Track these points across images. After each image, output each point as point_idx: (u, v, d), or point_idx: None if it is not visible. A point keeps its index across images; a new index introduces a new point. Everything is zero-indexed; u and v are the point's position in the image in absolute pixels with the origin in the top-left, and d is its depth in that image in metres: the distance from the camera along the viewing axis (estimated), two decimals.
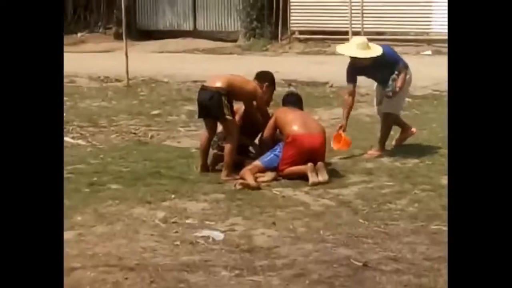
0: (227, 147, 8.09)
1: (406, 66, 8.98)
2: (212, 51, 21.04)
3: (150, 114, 11.83)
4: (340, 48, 9.23)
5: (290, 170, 7.87)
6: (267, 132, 8.26)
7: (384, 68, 8.79)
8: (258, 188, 7.58)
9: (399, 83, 8.79)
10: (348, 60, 9.02)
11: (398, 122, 9.38)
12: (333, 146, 8.79)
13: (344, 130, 8.95)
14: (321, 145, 8.04)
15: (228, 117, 8.08)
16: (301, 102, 8.64)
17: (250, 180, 7.67)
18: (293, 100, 8.61)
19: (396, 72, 8.80)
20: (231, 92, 8.10)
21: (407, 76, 8.95)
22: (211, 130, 8.32)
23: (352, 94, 9.02)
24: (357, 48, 8.78)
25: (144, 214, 6.82)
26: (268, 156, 8.07)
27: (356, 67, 8.92)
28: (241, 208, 6.99)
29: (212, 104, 8.09)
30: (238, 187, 7.59)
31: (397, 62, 8.90)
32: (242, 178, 7.79)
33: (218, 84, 8.16)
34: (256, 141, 8.63)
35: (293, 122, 8.07)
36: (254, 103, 8.35)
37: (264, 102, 8.42)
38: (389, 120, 9.12)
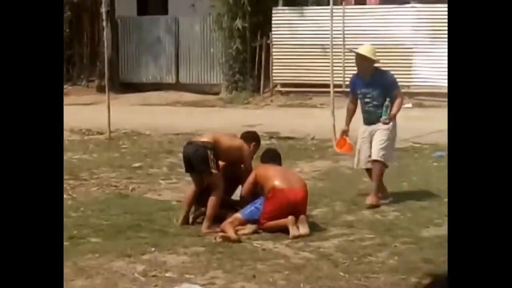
0: (211, 199, 8.08)
1: (402, 95, 9.53)
2: (194, 103, 21.12)
3: (131, 167, 11.80)
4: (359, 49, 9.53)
5: (271, 223, 7.86)
6: (246, 187, 8.24)
7: (383, 87, 9.18)
8: (238, 240, 7.56)
9: (394, 109, 9.18)
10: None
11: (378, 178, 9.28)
12: (336, 149, 9.75)
13: (347, 135, 9.61)
14: (303, 199, 8.04)
15: (214, 171, 8.09)
16: (280, 158, 8.66)
17: (230, 233, 7.65)
18: (272, 156, 8.63)
19: (388, 100, 9.13)
20: (217, 147, 8.15)
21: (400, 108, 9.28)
22: (198, 184, 8.32)
23: (354, 102, 9.55)
24: (365, 50, 9.33)
25: (123, 267, 6.77)
26: (248, 209, 8.06)
27: (359, 78, 9.44)
28: (221, 261, 6.95)
29: (197, 157, 8.12)
30: (219, 239, 7.56)
31: (396, 86, 9.37)
32: (222, 231, 7.77)
33: (204, 139, 8.27)
34: (235, 196, 8.61)
35: (275, 177, 8.08)
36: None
37: (250, 161, 8.47)
38: (378, 167, 9.18)
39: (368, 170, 9.42)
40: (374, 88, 9.23)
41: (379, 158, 9.13)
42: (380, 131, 9.23)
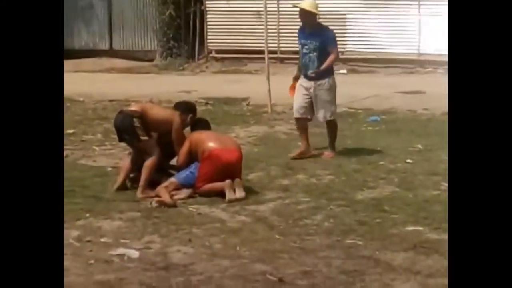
0: (145, 165, 8.04)
1: (337, 54, 10.02)
2: (128, 70, 20.87)
3: (64, 133, 11.62)
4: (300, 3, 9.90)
5: (207, 187, 7.84)
6: (181, 157, 8.16)
7: (321, 41, 9.60)
8: (174, 205, 7.53)
9: (325, 64, 9.62)
10: None
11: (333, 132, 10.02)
12: (289, 95, 10.11)
13: (297, 80, 9.99)
14: (238, 160, 8.04)
15: (143, 138, 8.07)
16: (210, 127, 8.66)
17: (166, 198, 7.62)
18: (202, 126, 8.58)
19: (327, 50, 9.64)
20: (145, 116, 8.13)
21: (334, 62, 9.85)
22: (134, 153, 8.29)
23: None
24: (307, 4, 9.74)
25: None
26: (183, 174, 8.03)
27: (302, 30, 9.92)
28: (157, 225, 6.94)
29: (124, 126, 8.17)
30: (154, 205, 7.52)
31: (333, 42, 9.79)
32: (157, 195, 7.74)
33: (133, 108, 8.36)
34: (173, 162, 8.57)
35: (208, 139, 8.07)
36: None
37: (180, 132, 8.30)
38: (333, 124, 9.95)
39: (298, 120, 10.02)
40: (312, 40, 9.64)
41: (331, 118, 9.85)
42: (324, 92, 9.75)
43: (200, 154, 7.96)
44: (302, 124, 9.97)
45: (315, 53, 9.64)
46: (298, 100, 9.87)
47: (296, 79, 10.07)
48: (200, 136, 8.19)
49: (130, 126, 8.09)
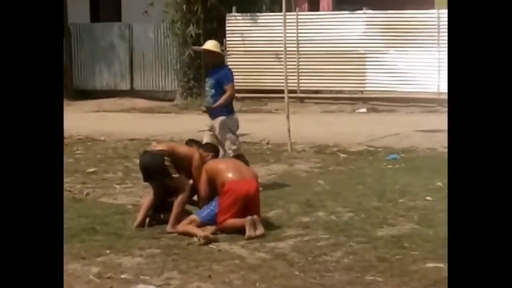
0: (178, 199, 8.10)
1: (233, 91, 10.13)
2: (149, 110, 21.04)
3: (85, 172, 11.73)
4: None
5: (229, 223, 7.85)
6: (202, 188, 8.21)
7: (217, 78, 9.95)
8: (216, 240, 7.57)
9: (220, 100, 9.88)
10: None
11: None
12: None
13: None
14: (256, 191, 8.07)
15: (175, 175, 8.14)
16: (218, 151, 8.85)
17: (202, 233, 7.62)
18: (211, 148, 8.79)
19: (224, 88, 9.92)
20: (173, 155, 8.21)
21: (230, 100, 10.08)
22: (157, 191, 8.34)
23: None
24: (210, 45, 10.24)
25: (78, 270, 6.74)
26: (205, 211, 8.06)
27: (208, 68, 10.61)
28: (176, 262, 6.96)
29: (155, 166, 8.20)
30: (202, 241, 7.50)
31: (229, 79, 10.05)
32: (186, 233, 7.75)
33: (159, 147, 8.47)
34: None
35: (227, 170, 8.08)
36: None
37: (200, 168, 8.30)
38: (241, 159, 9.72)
39: None
40: (211, 78, 10.10)
41: (234, 154, 9.87)
42: (218, 129, 9.97)
43: (219, 186, 7.97)
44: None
45: (212, 90, 9.99)
46: (204, 137, 10.10)
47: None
48: (217, 165, 8.22)
49: (161, 165, 8.13)
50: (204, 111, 10.15)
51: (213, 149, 8.78)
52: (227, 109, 10.03)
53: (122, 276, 6.61)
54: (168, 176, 8.13)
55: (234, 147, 10.00)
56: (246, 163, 9.60)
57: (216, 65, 10.15)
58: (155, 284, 6.37)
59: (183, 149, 8.53)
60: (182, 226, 7.91)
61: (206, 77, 10.34)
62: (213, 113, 10.00)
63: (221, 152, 9.73)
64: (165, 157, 8.15)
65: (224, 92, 9.91)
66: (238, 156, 9.88)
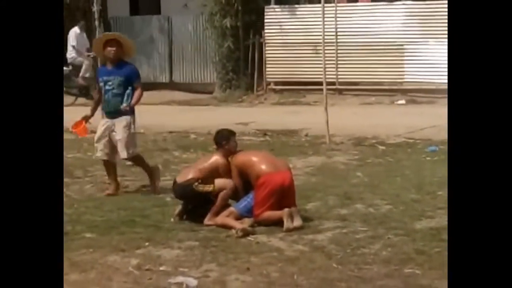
0: (221, 194, 8.07)
1: (141, 88, 9.82)
2: (188, 102, 21.12)
3: (125, 165, 11.79)
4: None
5: (266, 215, 7.87)
6: (235, 181, 8.15)
7: (129, 74, 9.66)
8: (253, 232, 7.61)
9: (134, 100, 9.63)
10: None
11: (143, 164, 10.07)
12: (72, 129, 10.38)
13: (87, 121, 10.16)
14: (291, 182, 8.07)
15: (208, 189, 8.10)
16: (234, 134, 8.54)
17: (240, 225, 7.67)
18: (226, 136, 8.44)
19: (130, 89, 9.59)
20: (201, 176, 8.16)
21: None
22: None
23: (100, 91, 9.86)
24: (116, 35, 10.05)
25: (117, 262, 6.81)
26: (242, 203, 8.09)
27: (103, 67, 10.02)
28: (215, 254, 7.00)
29: (188, 196, 8.20)
30: (240, 233, 7.54)
31: (137, 77, 9.84)
32: (224, 225, 7.80)
33: (188, 175, 8.26)
34: None
35: (260, 162, 8.05)
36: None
37: (229, 172, 8.21)
38: (138, 160, 9.98)
39: (105, 162, 9.90)
40: (117, 75, 9.59)
41: (128, 156, 9.78)
42: (120, 129, 9.65)
43: (254, 179, 7.97)
44: (108, 165, 9.90)
45: (119, 89, 9.57)
46: (102, 143, 9.79)
47: (85, 118, 10.15)
48: (249, 158, 8.17)
49: (195, 194, 8.10)
50: (126, 110, 9.58)
51: (228, 136, 8.44)
52: (131, 109, 9.70)
53: (161, 268, 6.66)
54: (205, 196, 8.14)
55: (134, 149, 9.79)
56: (146, 166, 9.80)
57: (121, 60, 9.70)
58: (194, 276, 6.42)
59: (207, 165, 8.32)
60: (221, 219, 7.95)
61: (104, 74, 9.72)
62: (117, 113, 9.60)
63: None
64: (195, 183, 8.11)
65: (133, 90, 9.60)
66: (135, 158, 9.88)
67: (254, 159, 8.15)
